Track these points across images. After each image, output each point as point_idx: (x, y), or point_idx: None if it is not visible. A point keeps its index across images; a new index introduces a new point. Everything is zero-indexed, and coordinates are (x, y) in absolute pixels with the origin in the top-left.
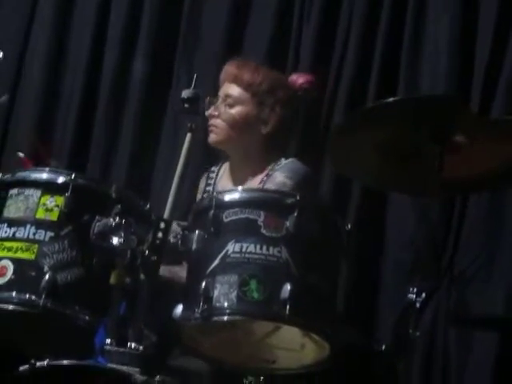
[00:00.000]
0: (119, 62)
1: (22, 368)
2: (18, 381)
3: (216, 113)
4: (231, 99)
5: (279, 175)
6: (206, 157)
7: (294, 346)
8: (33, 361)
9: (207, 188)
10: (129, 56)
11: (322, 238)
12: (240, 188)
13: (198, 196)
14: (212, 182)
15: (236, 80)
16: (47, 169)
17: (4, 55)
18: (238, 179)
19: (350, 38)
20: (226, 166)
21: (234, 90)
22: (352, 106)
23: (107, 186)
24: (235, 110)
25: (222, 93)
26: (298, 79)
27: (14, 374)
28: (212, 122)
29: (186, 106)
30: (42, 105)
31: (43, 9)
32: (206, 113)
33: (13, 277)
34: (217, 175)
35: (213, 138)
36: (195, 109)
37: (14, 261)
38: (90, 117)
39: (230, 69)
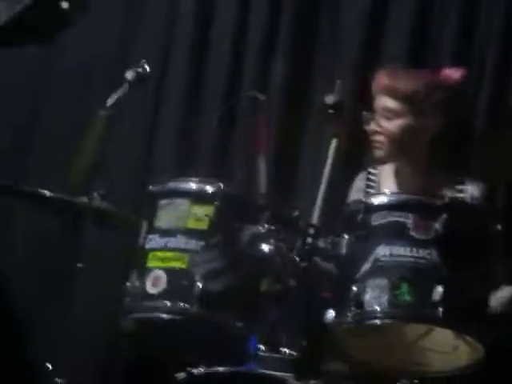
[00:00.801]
0: (258, 66)
1: (179, 375)
2: None
3: (377, 129)
4: (389, 113)
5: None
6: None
7: (447, 348)
8: (189, 368)
9: (368, 189)
10: (268, 59)
11: (471, 238)
12: (388, 191)
13: (355, 195)
14: (374, 183)
15: (390, 92)
16: (196, 179)
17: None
18: (403, 184)
19: (491, 36)
20: (388, 169)
21: (390, 103)
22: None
23: (255, 194)
24: (395, 124)
25: (377, 106)
26: (453, 74)
27: (171, 381)
28: (375, 138)
29: (331, 111)
30: (184, 109)
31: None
32: (367, 128)
33: (166, 286)
34: (378, 176)
35: (378, 154)
36: (340, 115)
37: (167, 271)
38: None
39: (381, 81)
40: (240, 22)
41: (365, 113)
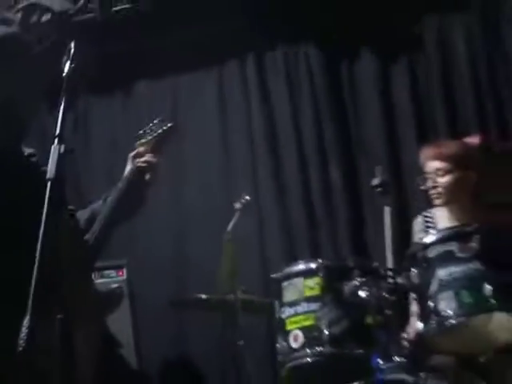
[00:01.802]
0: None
1: None
2: None
3: (434, 185)
4: (440, 171)
5: None
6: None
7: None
8: None
9: (427, 228)
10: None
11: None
12: (434, 231)
13: (419, 235)
14: (431, 223)
15: (438, 157)
16: (302, 261)
17: None
18: (457, 219)
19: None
20: (441, 210)
21: (440, 165)
22: None
23: (346, 260)
24: (447, 179)
25: (430, 169)
26: (476, 139)
27: None
28: (433, 191)
29: (379, 190)
30: None
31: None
32: (425, 187)
33: (303, 340)
34: (434, 217)
35: (438, 202)
36: (387, 191)
37: (301, 329)
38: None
39: (430, 150)
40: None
41: (419, 177)
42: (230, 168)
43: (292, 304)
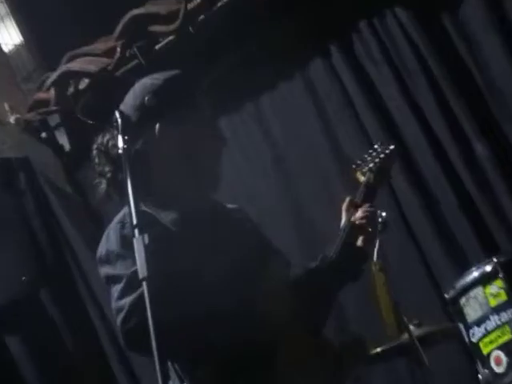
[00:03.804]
0: None
1: None
2: None
3: None
4: None
5: None
6: None
7: None
8: None
9: None
10: None
11: None
12: None
13: None
14: None
15: None
16: (474, 266)
17: None
18: None
19: None
20: None
21: None
22: None
23: None
24: None
25: None
26: None
27: None
28: None
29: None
30: None
31: None
32: None
33: (508, 359)
34: None
35: None
36: None
37: (500, 347)
38: None
39: None
40: None
41: None
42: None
43: (479, 322)
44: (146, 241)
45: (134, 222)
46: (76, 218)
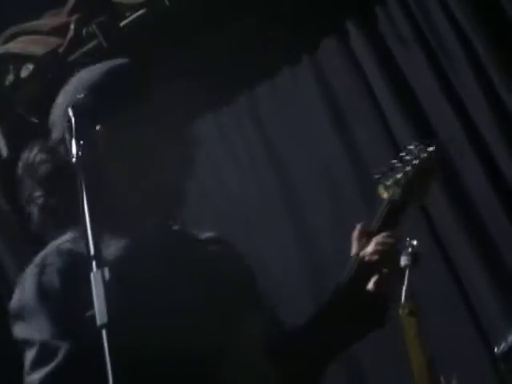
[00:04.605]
0: None
1: None
2: None
3: None
4: None
5: None
6: None
7: None
8: None
9: None
10: None
11: None
12: None
13: None
14: None
15: None
16: None
17: None
18: None
19: None
20: None
21: None
22: None
23: None
24: None
25: None
26: None
27: None
28: None
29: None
30: None
31: None
32: None
33: None
34: None
35: None
36: None
37: None
38: None
39: None
40: None
41: None
42: None
43: None
44: (107, 276)
45: (92, 251)
46: (10, 241)
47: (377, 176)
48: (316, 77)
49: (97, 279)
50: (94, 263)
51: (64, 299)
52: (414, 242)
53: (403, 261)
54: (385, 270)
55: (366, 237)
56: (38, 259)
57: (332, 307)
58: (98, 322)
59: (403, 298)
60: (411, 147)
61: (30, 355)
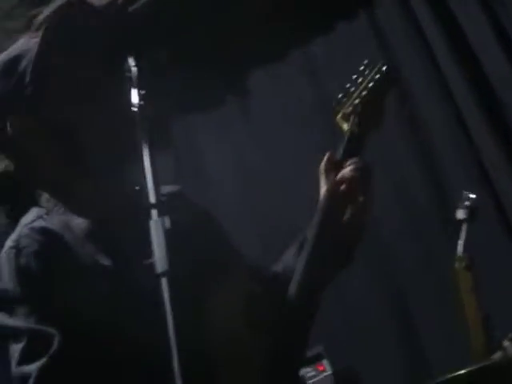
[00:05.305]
0: None
1: None
2: None
3: None
4: None
5: None
6: None
7: None
8: None
9: None
10: None
11: None
12: None
13: None
14: None
15: None
16: None
17: None
18: None
19: None
20: None
21: None
22: None
23: None
24: None
25: None
26: None
27: None
28: None
29: None
30: None
31: None
32: None
33: None
34: None
35: None
36: None
37: None
38: None
39: None
40: None
41: None
42: None
43: None
44: (168, 224)
45: (153, 200)
46: None
47: (333, 104)
48: (373, 32)
49: (157, 227)
50: (154, 212)
51: (45, 282)
52: (472, 196)
53: (460, 214)
54: (360, 198)
55: (333, 168)
56: (10, 242)
57: (316, 243)
58: (159, 269)
59: (460, 250)
60: (362, 68)
61: (17, 347)
